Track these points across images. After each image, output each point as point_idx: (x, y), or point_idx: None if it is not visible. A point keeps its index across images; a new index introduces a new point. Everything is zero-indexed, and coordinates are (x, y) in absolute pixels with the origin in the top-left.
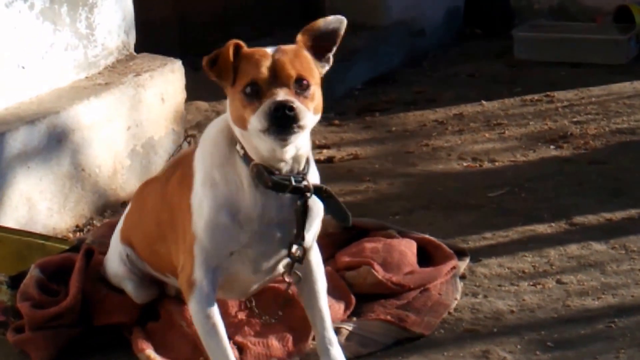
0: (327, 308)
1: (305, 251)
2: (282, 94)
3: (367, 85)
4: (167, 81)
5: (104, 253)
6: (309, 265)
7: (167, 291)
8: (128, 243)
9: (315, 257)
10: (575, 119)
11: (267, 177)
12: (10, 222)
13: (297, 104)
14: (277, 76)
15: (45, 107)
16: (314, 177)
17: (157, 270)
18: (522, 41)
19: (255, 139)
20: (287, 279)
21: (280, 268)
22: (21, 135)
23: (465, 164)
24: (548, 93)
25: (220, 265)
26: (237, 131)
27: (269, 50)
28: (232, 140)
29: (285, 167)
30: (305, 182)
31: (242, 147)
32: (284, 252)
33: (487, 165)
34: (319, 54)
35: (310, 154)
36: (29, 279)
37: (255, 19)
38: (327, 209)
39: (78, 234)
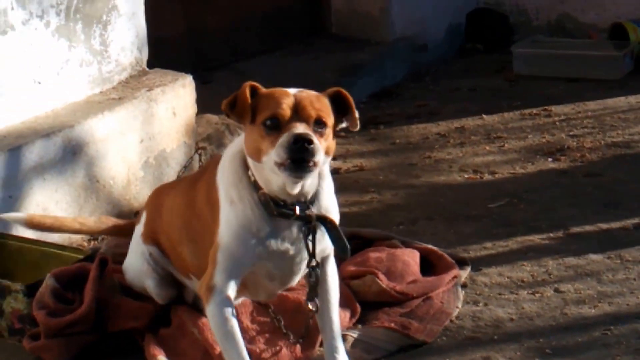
0: (337, 317)
1: (317, 276)
2: (301, 128)
3: (372, 99)
4: (179, 96)
5: (118, 262)
6: (324, 275)
7: (186, 295)
8: (152, 243)
9: (331, 267)
10: (572, 133)
11: (272, 207)
12: (27, 232)
13: (315, 139)
14: (299, 113)
15: (60, 121)
16: (328, 205)
17: (180, 270)
18: (521, 57)
19: (269, 172)
20: (310, 307)
21: (296, 280)
22: (37, 148)
23: (466, 176)
24: (546, 107)
25: (240, 274)
26: (250, 162)
27: (291, 90)
28: (246, 164)
29: (289, 200)
30: (308, 212)
31: (253, 175)
32: (298, 266)
33: (487, 177)
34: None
35: (327, 184)
36: (44, 288)
37: (263, 35)
38: (330, 239)
39: (92, 243)
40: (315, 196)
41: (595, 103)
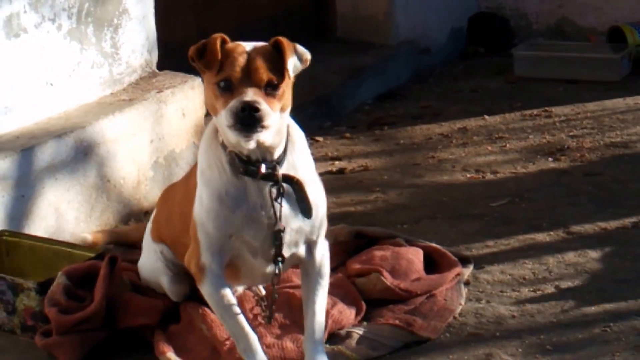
0: (321, 307)
1: (281, 239)
2: (250, 94)
3: (376, 101)
4: (188, 97)
5: (128, 261)
6: (311, 261)
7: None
8: (160, 240)
9: (319, 254)
10: (571, 133)
11: (238, 164)
12: (39, 231)
13: (263, 105)
14: (250, 76)
15: (72, 122)
16: (300, 166)
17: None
18: (522, 59)
19: (224, 130)
20: (271, 269)
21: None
22: (49, 148)
23: (468, 176)
24: (546, 108)
25: (223, 248)
26: (214, 118)
27: (248, 47)
28: (216, 134)
29: (253, 155)
30: (275, 172)
31: (221, 135)
32: (275, 235)
33: (489, 176)
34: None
35: (300, 144)
36: (56, 286)
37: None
38: (296, 199)
39: None
40: (284, 155)
41: (594, 104)
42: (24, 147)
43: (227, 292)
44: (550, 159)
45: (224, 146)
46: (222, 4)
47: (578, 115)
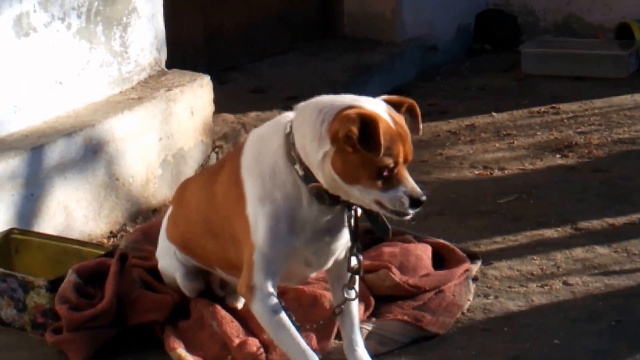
0: (357, 311)
1: (360, 262)
2: (411, 182)
3: None
4: (196, 95)
5: (137, 257)
6: (345, 269)
7: (212, 281)
8: (174, 241)
9: (353, 260)
10: (579, 130)
11: (326, 197)
12: (49, 229)
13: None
14: (407, 160)
15: (81, 121)
16: None
17: (204, 263)
18: (529, 56)
19: (353, 192)
20: (346, 295)
21: (330, 262)
22: (59, 147)
23: (476, 172)
24: (554, 105)
25: (278, 270)
26: (332, 179)
27: (392, 123)
28: (290, 159)
29: None
30: None
31: (302, 169)
32: (334, 250)
33: (497, 173)
34: None
35: None
36: (66, 283)
37: (278, 35)
38: (370, 222)
39: (112, 239)
40: None
41: (602, 101)
42: (33, 146)
43: (279, 309)
44: (558, 155)
45: (306, 179)
46: (230, 3)
47: (586, 111)
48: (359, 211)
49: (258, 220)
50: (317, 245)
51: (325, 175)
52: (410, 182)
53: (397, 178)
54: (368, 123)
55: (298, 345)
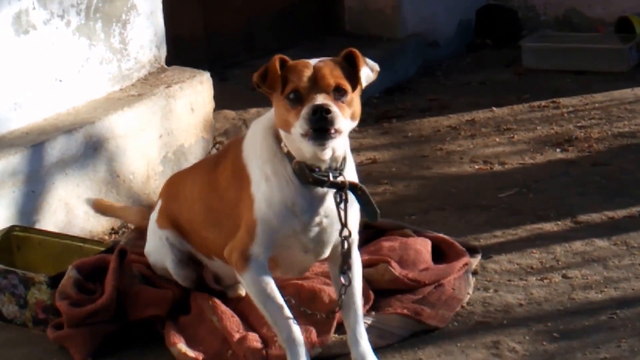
0: (360, 304)
1: (350, 244)
2: (320, 99)
3: (384, 94)
4: (196, 92)
5: (137, 253)
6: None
7: (205, 275)
8: (166, 226)
9: (355, 254)
10: (579, 124)
11: (308, 173)
12: (50, 226)
13: (334, 108)
14: (317, 84)
15: (81, 118)
16: (351, 174)
17: (204, 253)
18: (530, 51)
19: (299, 142)
20: (342, 280)
21: (327, 251)
22: (59, 144)
23: (477, 167)
24: (554, 99)
25: (275, 244)
26: (282, 133)
27: (312, 61)
28: (278, 138)
29: (324, 165)
30: (341, 178)
31: (286, 145)
32: (331, 236)
33: (497, 167)
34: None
35: (349, 154)
36: (67, 279)
37: (278, 32)
38: (359, 205)
39: (114, 236)
40: (344, 164)
41: (602, 95)
42: (33, 143)
43: (270, 281)
44: (558, 149)
45: (289, 157)
46: (231, 0)
47: (586, 106)
48: (350, 195)
49: (263, 198)
50: (315, 230)
51: (285, 139)
52: (317, 98)
53: (307, 102)
54: (265, 67)
55: (285, 317)
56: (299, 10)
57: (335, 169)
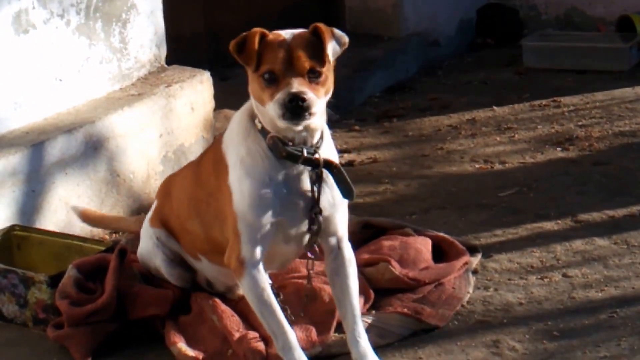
0: (357, 302)
1: (319, 222)
2: (296, 84)
3: (385, 93)
4: (197, 91)
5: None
6: (342, 260)
7: (198, 280)
8: (157, 226)
9: (348, 252)
10: (580, 123)
11: (281, 147)
12: (50, 225)
13: (309, 94)
14: (292, 66)
15: (81, 117)
16: (329, 153)
17: (189, 251)
18: (531, 50)
19: (271, 118)
20: (309, 254)
21: (305, 240)
22: (59, 143)
23: (477, 166)
24: (555, 98)
25: (264, 236)
26: (255, 105)
27: (287, 36)
28: (253, 116)
29: (297, 138)
30: (316, 155)
31: (260, 122)
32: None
33: (498, 166)
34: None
35: (326, 131)
36: (67, 279)
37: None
38: (335, 183)
39: (113, 235)
40: (321, 142)
41: (603, 94)
42: (33, 143)
43: (267, 286)
44: (558, 148)
45: (263, 132)
46: None
47: (587, 105)
48: (325, 172)
49: (237, 187)
50: (294, 212)
51: (258, 110)
52: (293, 84)
53: (282, 85)
54: (243, 37)
55: (281, 325)
56: (300, 9)
57: (311, 146)
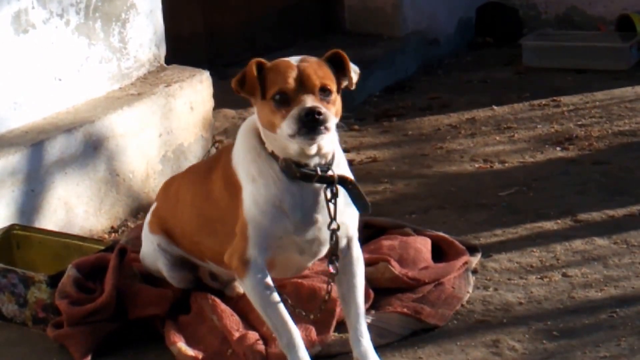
0: (362, 302)
1: (337, 237)
2: (309, 101)
3: (384, 92)
4: (196, 91)
5: (137, 252)
6: (350, 258)
7: (201, 275)
8: (157, 232)
9: (356, 252)
10: (580, 122)
11: (295, 169)
12: (50, 225)
13: (324, 109)
14: (304, 85)
15: (81, 117)
16: (342, 170)
17: (197, 257)
18: (531, 49)
19: (284, 141)
20: (331, 269)
21: (324, 250)
22: (59, 143)
23: (477, 165)
24: (555, 98)
25: (270, 245)
26: (264, 133)
27: (293, 61)
28: (261, 138)
29: (312, 162)
30: (330, 172)
31: (269, 146)
32: (324, 234)
33: (497, 166)
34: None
35: (340, 152)
36: (66, 278)
37: (278, 31)
38: (350, 198)
39: (114, 235)
40: (333, 160)
41: (603, 93)
42: (33, 142)
43: (271, 286)
44: (558, 148)
45: (274, 156)
46: None
47: (586, 104)
48: (340, 188)
49: (251, 200)
50: (310, 230)
51: (267, 138)
52: (306, 101)
53: (295, 103)
54: (242, 72)
55: (285, 323)
56: (300, 8)
57: (325, 164)
